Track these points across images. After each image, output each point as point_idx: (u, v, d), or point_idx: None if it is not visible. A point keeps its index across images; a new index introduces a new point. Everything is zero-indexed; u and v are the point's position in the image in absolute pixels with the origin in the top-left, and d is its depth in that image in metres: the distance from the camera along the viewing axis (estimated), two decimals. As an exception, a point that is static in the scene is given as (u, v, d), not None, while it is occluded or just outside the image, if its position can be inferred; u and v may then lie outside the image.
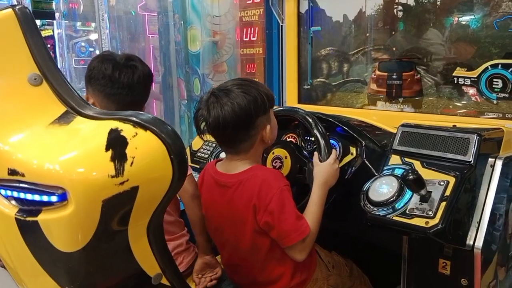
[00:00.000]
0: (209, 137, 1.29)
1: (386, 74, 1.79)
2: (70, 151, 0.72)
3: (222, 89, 1.18)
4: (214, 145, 1.79)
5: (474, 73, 1.53)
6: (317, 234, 1.21)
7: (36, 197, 0.72)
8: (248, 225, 1.18)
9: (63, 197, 0.70)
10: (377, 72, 1.82)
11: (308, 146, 1.50)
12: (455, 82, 1.57)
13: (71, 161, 0.71)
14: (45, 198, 0.72)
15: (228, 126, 1.15)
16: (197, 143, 1.88)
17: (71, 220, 0.71)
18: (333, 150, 1.31)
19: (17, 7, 0.82)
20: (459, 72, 1.57)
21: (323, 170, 1.26)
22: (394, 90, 1.76)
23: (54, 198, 0.71)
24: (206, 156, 1.78)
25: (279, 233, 1.15)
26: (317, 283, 1.32)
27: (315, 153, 1.31)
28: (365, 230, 1.28)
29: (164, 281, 0.90)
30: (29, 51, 0.79)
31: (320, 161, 1.28)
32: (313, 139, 1.43)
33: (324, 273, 1.35)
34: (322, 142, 1.31)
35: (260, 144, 1.23)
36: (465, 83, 1.55)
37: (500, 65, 1.46)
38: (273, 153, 1.42)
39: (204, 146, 1.83)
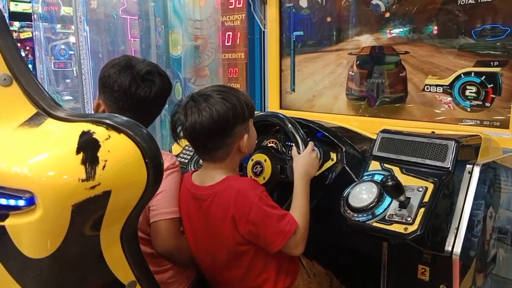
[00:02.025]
0: (185, 142, 1.27)
1: (365, 71, 1.79)
2: (40, 154, 0.70)
3: (202, 94, 1.16)
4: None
5: (446, 81, 1.55)
6: (309, 224, 1.19)
7: (3, 201, 0.70)
8: (227, 237, 1.16)
9: (30, 201, 0.68)
10: (355, 69, 1.82)
11: (289, 151, 1.49)
12: (428, 90, 1.59)
13: (40, 164, 0.68)
14: (12, 202, 0.69)
15: (204, 132, 1.13)
16: (177, 147, 1.85)
17: (39, 225, 0.69)
18: (310, 142, 1.31)
19: (-13, 5, 0.79)
20: (431, 80, 1.59)
21: (302, 161, 1.26)
22: (374, 95, 1.77)
23: (21, 202, 0.68)
24: (186, 161, 1.75)
25: (265, 240, 1.13)
26: (298, 291, 1.31)
27: (293, 147, 1.30)
28: (345, 236, 1.28)
29: (139, 288, 0.88)
30: (-1, 51, 0.77)
31: (298, 153, 1.28)
32: (293, 144, 1.43)
33: (305, 280, 1.34)
34: (297, 135, 1.32)
35: (237, 153, 1.20)
36: (437, 91, 1.57)
37: (472, 73, 1.48)
38: (252, 159, 1.40)
39: (184, 151, 1.81)
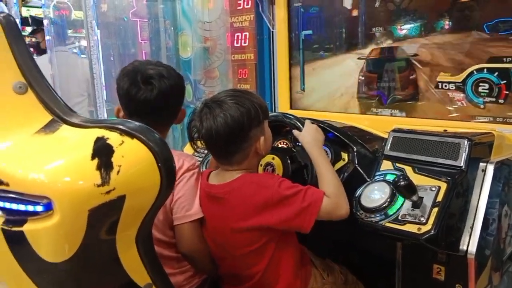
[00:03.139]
0: (201, 144, 1.27)
1: (375, 75, 1.78)
2: (56, 160, 0.71)
3: (215, 100, 1.16)
4: (206, 151, 1.77)
5: (459, 78, 1.53)
6: (341, 188, 1.17)
7: (21, 207, 0.71)
8: (247, 232, 1.16)
9: (48, 207, 0.69)
10: (365, 73, 1.81)
11: (298, 143, 1.49)
12: (440, 87, 1.58)
13: (57, 170, 0.69)
14: (30, 208, 0.70)
15: (221, 138, 1.13)
16: (189, 149, 1.86)
17: (57, 230, 0.70)
18: (306, 120, 1.34)
19: (1, 15, 0.81)
20: (443, 77, 1.57)
21: (306, 133, 1.28)
22: (385, 93, 1.76)
23: (39, 208, 0.70)
24: (199, 161, 1.76)
25: (297, 221, 1.11)
26: (313, 293, 1.31)
27: (293, 130, 1.33)
28: (358, 236, 1.27)
29: (154, 291, 0.89)
30: (14, 59, 0.78)
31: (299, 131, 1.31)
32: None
33: (319, 282, 1.33)
34: (293, 119, 1.36)
35: (254, 155, 1.20)
36: (450, 88, 1.56)
37: (485, 69, 1.47)
38: (261, 164, 1.40)
39: (195, 154, 1.82)
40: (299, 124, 1.33)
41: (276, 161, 1.37)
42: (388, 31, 1.74)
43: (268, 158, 1.39)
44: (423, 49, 1.63)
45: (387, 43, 1.74)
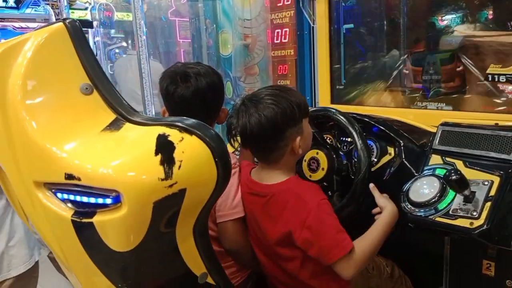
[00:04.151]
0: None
1: (420, 69, 1.74)
2: (122, 156, 0.76)
3: (253, 99, 1.16)
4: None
5: (510, 70, 1.48)
6: (371, 256, 1.14)
7: (92, 200, 0.76)
8: (276, 238, 1.17)
9: (117, 200, 0.74)
10: (408, 66, 1.78)
11: (344, 147, 1.49)
12: (490, 79, 1.53)
13: (124, 165, 0.74)
14: (100, 200, 0.75)
15: (255, 137, 1.14)
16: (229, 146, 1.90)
17: (124, 221, 0.75)
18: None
19: (67, 20, 0.86)
20: (493, 69, 1.52)
21: (393, 205, 1.19)
22: (429, 86, 1.72)
23: (108, 201, 0.74)
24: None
25: (320, 250, 1.09)
26: (358, 286, 1.31)
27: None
28: (404, 230, 1.27)
29: (210, 280, 0.93)
30: (80, 62, 0.84)
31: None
32: (349, 139, 1.43)
33: (364, 276, 1.34)
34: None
35: (291, 154, 1.18)
36: (500, 80, 1.51)
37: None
38: (305, 160, 1.41)
39: (239, 148, 1.85)
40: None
41: (321, 156, 1.38)
42: (430, 22, 1.71)
43: (312, 152, 1.40)
44: (470, 40, 1.59)
45: (430, 34, 1.71)
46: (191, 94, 1.27)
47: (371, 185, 1.25)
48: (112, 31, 4.23)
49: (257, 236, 1.26)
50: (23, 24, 4.41)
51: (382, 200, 1.21)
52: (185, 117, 0.82)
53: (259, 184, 1.23)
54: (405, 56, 1.81)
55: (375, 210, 1.21)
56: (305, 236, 1.09)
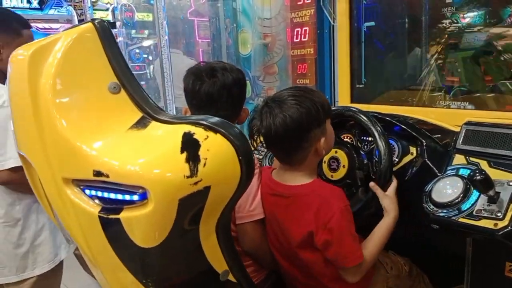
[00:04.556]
0: (259, 141, 1.30)
1: (441, 66, 1.71)
2: (149, 154, 0.77)
3: (276, 100, 1.16)
4: (265, 149, 1.81)
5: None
6: (376, 257, 1.20)
7: (119, 196, 0.78)
8: (299, 240, 1.17)
9: (143, 196, 0.76)
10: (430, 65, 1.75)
11: (365, 146, 1.48)
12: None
13: (150, 163, 0.76)
14: (127, 197, 0.77)
15: (279, 137, 1.14)
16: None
17: (150, 218, 0.76)
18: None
19: (96, 21, 0.88)
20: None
21: (395, 206, 1.22)
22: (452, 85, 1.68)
23: (135, 197, 0.76)
24: (261, 157, 1.81)
25: (337, 253, 1.12)
26: (377, 286, 1.30)
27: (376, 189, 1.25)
28: (425, 231, 1.25)
29: (231, 277, 0.94)
30: (108, 61, 0.86)
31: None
32: (370, 138, 1.42)
33: (383, 276, 1.33)
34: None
35: (315, 155, 1.19)
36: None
37: None
38: (324, 162, 1.41)
39: (258, 148, 1.86)
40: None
41: (340, 154, 1.38)
42: (452, 20, 1.68)
43: (331, 152, 1.39)
44: (494, 37, 1.56)
45: (453, 32, 1.68)
46: (218, 89, 1.27)
47: (372, 184, 1.25)
48: (133, 31, 4.29)
49: (277, 238, 1.26)
50: (46, 25, 4.52)
51: (387, 202, 1.21)
52: (209, 116, 0.83)
53: (282, 185, 1.23)
54: (427, 54, 1.79)
55: None
56: (325, 238, 1.11)
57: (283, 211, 1.21)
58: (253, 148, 1.80)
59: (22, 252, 1.62)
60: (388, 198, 1.22)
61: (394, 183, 1.24)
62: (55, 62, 0.84)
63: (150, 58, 4.33)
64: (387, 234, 1.20)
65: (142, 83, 4.26)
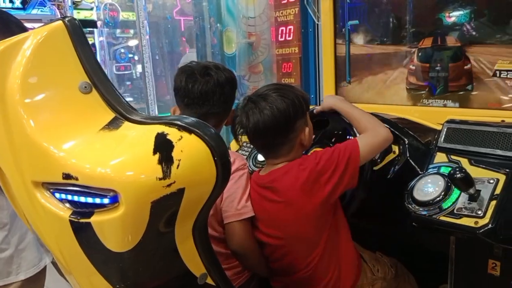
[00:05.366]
0: (245, 138, 1.30)
1: (425, 65, 1.72)
2: (120, 155, 0.75)
3: (259, 95, 1.19)
4: (251, 147, 1.80)
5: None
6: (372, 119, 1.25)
7: (89, 200, 0.76)
8: (302, 215, 1.17)
9: (114, 199, 0.73)
10: (415, 63, 1.76)
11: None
12: (498, 75, 1.50)
13: (122, 165, 0.73)
14: (97, 200, 0.75)
15: (269, 130, 1.15)
16: (234, 146, 1.89)
17: (122, 221, 0.74)
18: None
19: (67, 19, 0.85)
20: (501, 65, 1.50)
21: (326, 99, 1.34)
22: (437, 83, 1.69)
23: (106, 200, 0.74)
24: (245, 157, 1.79)
25: (346, 176, 1.13)
26: (362, 289, 1.30)
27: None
28: (410, 230, 1.25)
29: (209, 281, 0.92)
30: (79, 60, 0.83)
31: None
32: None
33: (369, 278, 1.33)
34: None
35: (300, 147, 1.23)
36: (508, 76, 1.48)
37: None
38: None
39: (242, 147, 1.85)
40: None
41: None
42: (437, 18, 1.68)
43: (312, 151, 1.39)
44: (477, 36, 1.56)
45: (438, 31, 1.68)
46: (212, 86, 1.27)
47: (315, 110, 1.39)
48: (118, 30, 4.24)
49: (270, 232, 1.25)
50: (29, 25, 4.43)
51: (324, 105, 1.35)
52: (184, 116, 0.81)
53: (263, 176, 1.24)
54: (411, 53, 1.79)
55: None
56: (326, 185, 1.13)
57: (274, 198, 1.20)
58: (238, 147, 1.79)
59: (6, 256, 1.59)
60: (324, 103, 1.35)
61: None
62: (23, 61, 0.81)
63: (136, 58, 4.29)
64: (352, 109, 1.31)
65: (128, 83, 4.22)
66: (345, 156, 1.13)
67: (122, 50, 4.10)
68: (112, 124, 0.80)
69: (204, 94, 1.26)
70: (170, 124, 0.77)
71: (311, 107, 1.33)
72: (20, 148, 0.81)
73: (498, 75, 1.50)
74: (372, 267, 1.35)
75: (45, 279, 1.78)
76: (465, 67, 1.59)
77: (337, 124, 1.37)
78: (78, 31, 0.84)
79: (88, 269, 0.84)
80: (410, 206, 1.16)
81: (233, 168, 1.25)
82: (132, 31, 4.15)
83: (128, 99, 4.40)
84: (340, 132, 1.40)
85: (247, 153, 1.81)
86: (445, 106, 1.66)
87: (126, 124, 0.80)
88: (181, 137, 0.76)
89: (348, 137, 1.36)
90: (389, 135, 1.18)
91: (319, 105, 2.14)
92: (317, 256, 1.19)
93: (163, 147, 0.74)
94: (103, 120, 0.81)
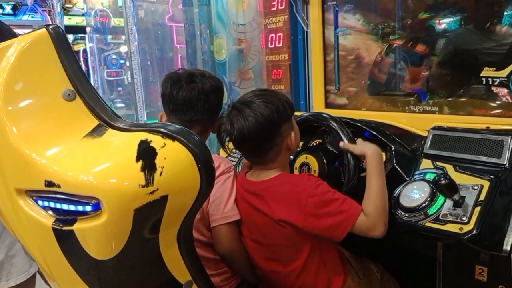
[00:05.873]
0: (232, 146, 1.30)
1: (413, 72, 1.75)
2: (103, 163, 0.75)
3: (243, 102, 1.19)
4: (240, 154, 1.80)
5: (503, 73, 1.47)
6: (384, 208, 1.13)
7: (72, 207, 0.75)
8: (285, 230, 1.17)
9: (97, 207, 0.73)
10: (403, 70, 1.78)
11: (335, 152, 1.48)
12: (484, 82, 1.52)
13: (104, 172, 0.73)
14: (80, 208, 0.74)
15: (253, 136, 1.15)
16: (223, 152, 1.89)
17: (104, 229, 0.74)
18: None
19: (50, 26, 0.86)
20: (487, 72, 1.52)
21: (371, 146, 1.21)
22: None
23: (88, 208, 0.74)
24: (234, 164, 1.79)
25: (330, 230, 1.11)
26: (349, 293, 1.30)
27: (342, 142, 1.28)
28: (397, 236, 1.25)
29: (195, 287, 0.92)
30: (63, 68, 0.83)
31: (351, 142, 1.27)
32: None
33: (356, 282, 1.33)
34: (343, 128, 1.30)
35: (286, 151, 1.23)
36: (493, 83, 1.50)
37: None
38: (296, 168, 1.41)
39: (232, 154, 1.85)
40: (351, 136, 1.28)
41: (310, 159, 1.38)
42: (426, 25, 1.70)
43: (302, 158, 1.40)
44: (464, 43, 1.58)
45: (426, 38, 1.70)
46: (196, 94, 1.27)
47: (342, 144, 1.28)
48: (110, 37, 4.24)
49: (255, 237, 1.25)
50: (20, 31, 4.42)
51: (359, 148, 1.23)
52: (169, 123, 0.81)
53: (254, 182, 1.24)
54: (400, 60, 1.81)
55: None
56: (310, 222, 1.11)
57: (260, 205, 1.20)
58: (226, 154, 1.79)
59: None
60: (359, 145, 1.25)
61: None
62: (7, 67, 0.81)
63: (128, 64, 4.28)
64: (378, 174, 1.15)
65: (120, 89, 4.21)
66: (342, 215, 1.10)
67: (114, 56, 4.10)
68: (96, 131, 0.80)
69: (188, 101, 1.27)
70: (153, 131, 0.77)
71: (298, 113, 1.33)
72: (2, 155, 0.81)
73: (484, 82, 1.52)
74: (358, 271, 1.36)
75: (35, 286, 1.77)
76: (452, 74, 1.61)
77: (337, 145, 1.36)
78: (62, 39, 0.85)
79: (72, 277, 0.83)
80: (396, 212, 1.17)
81: (218, 171, 1.25)
82: (123, 37, 4.15)
83: (120, 105, 4.41)
84: (336, 153, 1.38)
85: (236, 159, 1.81)
86: (432, 112, 1.68)
87: (110, 131, 0.81)
88: (165, 144, 0.76)
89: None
90: (382, 235, 1.11)
91: (309, 111, 2.18)
92: (302, 262, 1.19)
93: (146, 154, 0.74)
94: (87, 127, 0.81)
